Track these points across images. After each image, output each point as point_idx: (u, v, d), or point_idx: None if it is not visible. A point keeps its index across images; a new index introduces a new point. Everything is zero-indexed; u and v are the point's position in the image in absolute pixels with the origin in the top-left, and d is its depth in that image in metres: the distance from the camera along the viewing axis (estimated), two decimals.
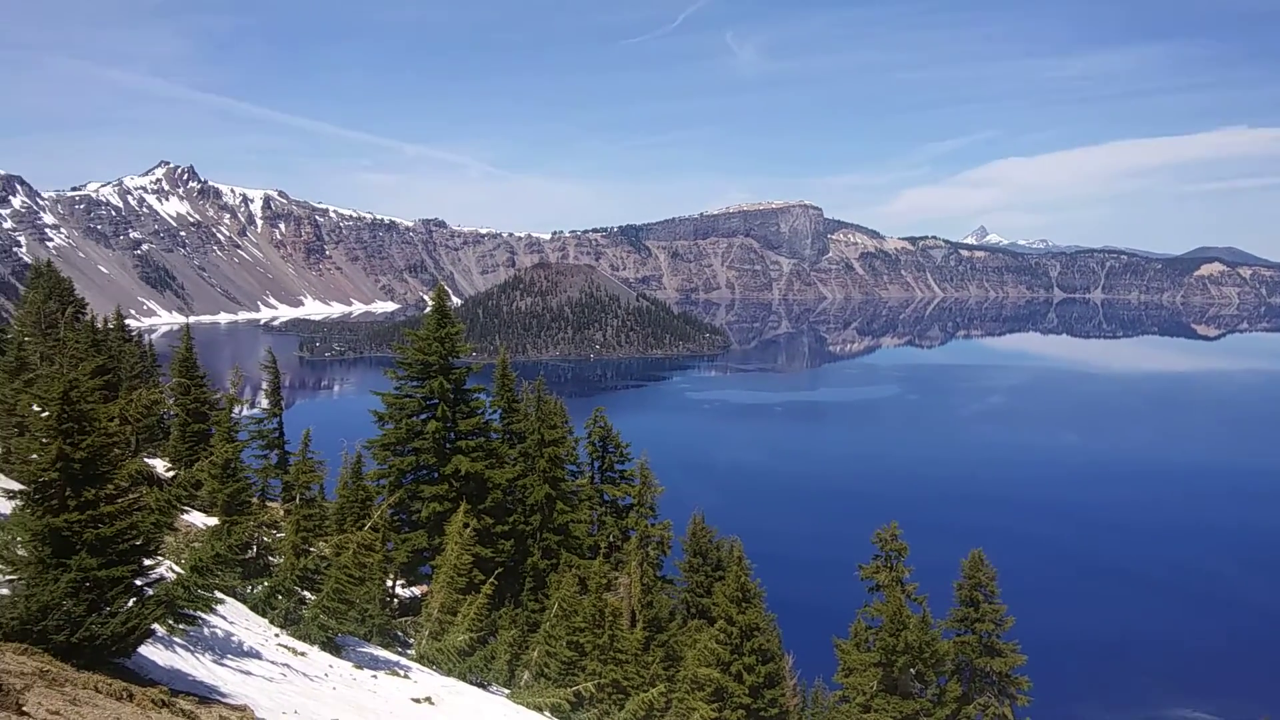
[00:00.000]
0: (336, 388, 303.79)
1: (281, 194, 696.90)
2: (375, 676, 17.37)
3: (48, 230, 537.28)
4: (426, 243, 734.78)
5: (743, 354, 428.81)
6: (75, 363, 31.28)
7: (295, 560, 20.97)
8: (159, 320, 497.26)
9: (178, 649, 13.13)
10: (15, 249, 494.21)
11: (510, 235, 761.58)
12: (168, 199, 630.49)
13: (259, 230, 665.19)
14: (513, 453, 38.22)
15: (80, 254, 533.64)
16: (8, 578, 9.78)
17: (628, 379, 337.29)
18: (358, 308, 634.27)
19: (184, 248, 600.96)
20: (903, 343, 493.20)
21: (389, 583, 29.37)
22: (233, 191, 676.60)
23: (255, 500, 29.34)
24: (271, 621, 18.78)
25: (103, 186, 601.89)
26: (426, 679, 19.01)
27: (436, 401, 34.08)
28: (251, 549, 24.08)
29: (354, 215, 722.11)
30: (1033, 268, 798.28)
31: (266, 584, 20.22)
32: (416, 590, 34.15)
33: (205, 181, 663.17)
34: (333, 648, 18.61)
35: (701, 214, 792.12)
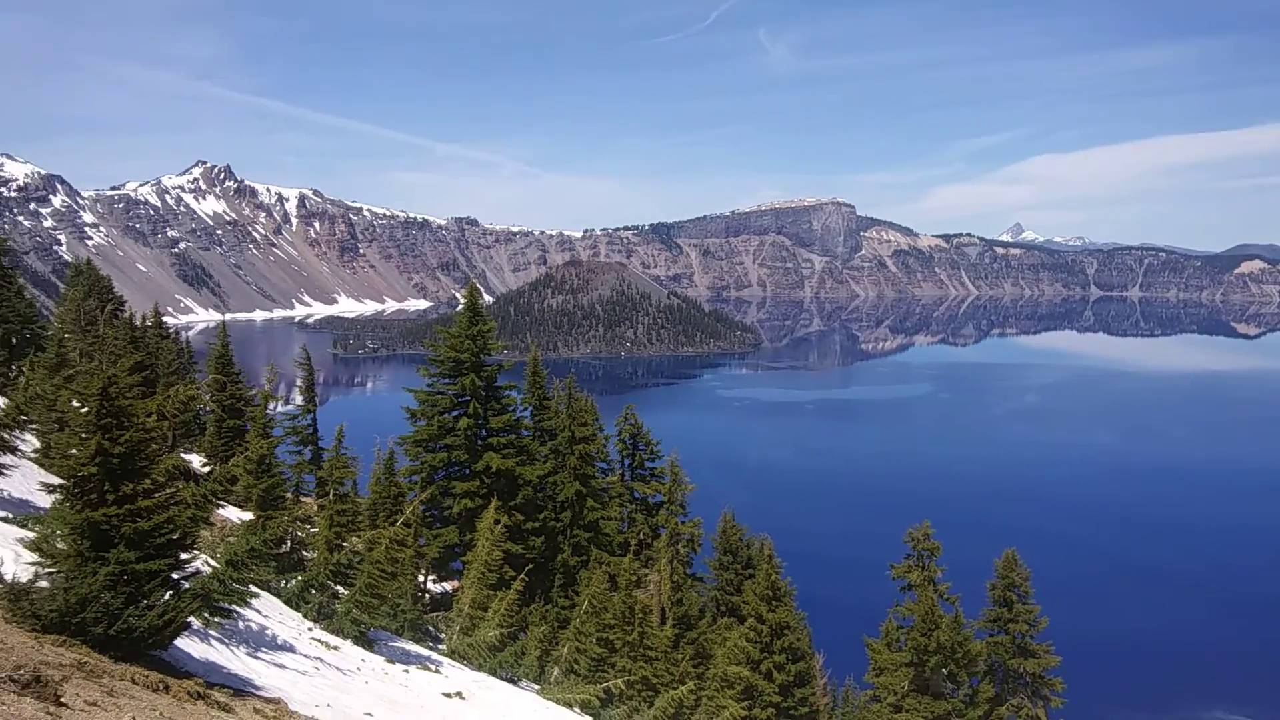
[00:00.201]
0: (369, 385, 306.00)
1: (316, 193, 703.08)
2: (407, 671, 17.50)
3: (87, 229, 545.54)
4: (459, 241, 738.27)
5: (774, 352, 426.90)
6: (114, 359, 31.74)
7: (328, 555, 21.16)
8: (196, 318, 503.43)
9: (213, 642, 13.31)
10: (55, 247, 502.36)
11: (542, 233, 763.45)
12: (205, 198, 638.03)
13: (294, 229, 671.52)
14: (544, 450, 38.32)
15: (119, 252, 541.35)
16: (47, 570, 9.95)
17: (658, 377, 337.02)
18: (391, 305, 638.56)
19: (220, 246, 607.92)
20: (936, 341, 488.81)
21: (421, 578, 29.58)
22: (268, 190, 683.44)
23: (289, 495, 29.64)
24: (305, 616, 18.97)
25: (141, 186, 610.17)
26: (457, 674, 19.12)
27: (468, 398, 34.24)
28: (285, 544, 24.33)
29: (387, 214, 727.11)
30: (1069, 265, 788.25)
31: (300, 578, 20.43)
32: (448, 586, 34.37)
33: (242, 181, 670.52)
34: (365, 642, 18.78)
35: (733, 212, 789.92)
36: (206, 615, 11.94)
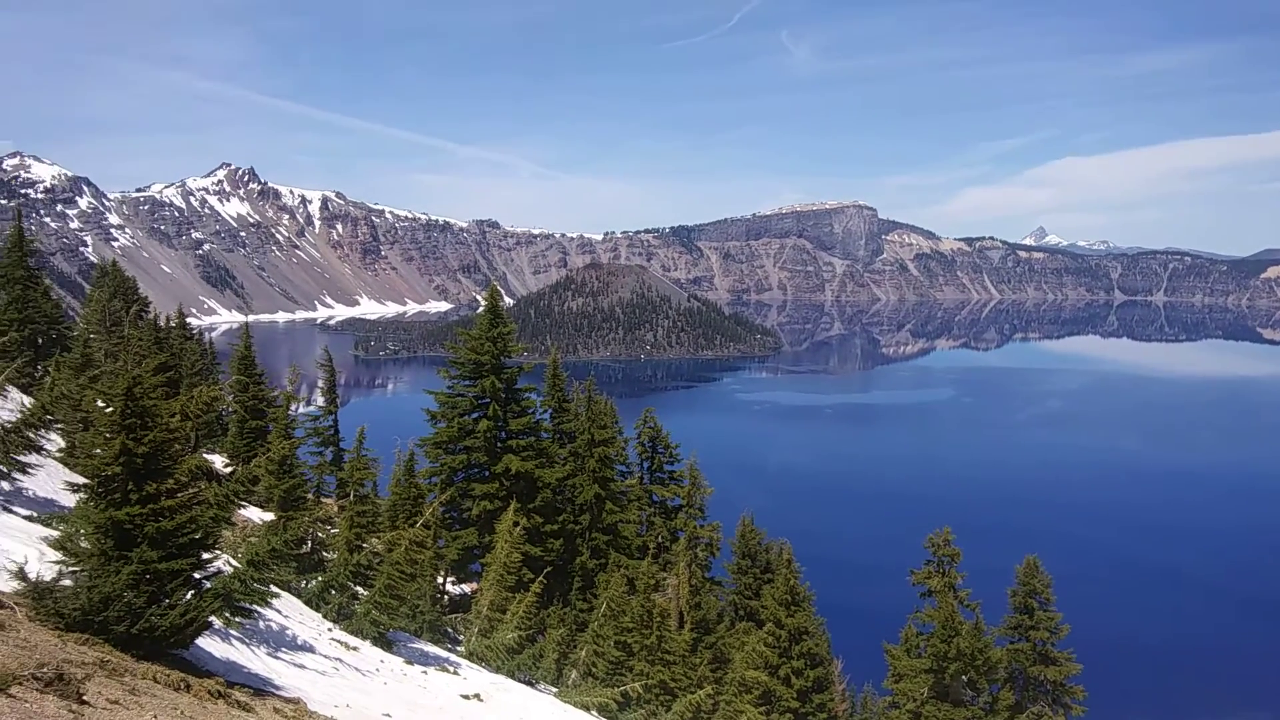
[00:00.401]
0: (390, 386, 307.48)
1: (339, 195, 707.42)
2: (425, 672, 17.56)
3: (113, 230, 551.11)
4: (480, 243, 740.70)
5: (794, 356, 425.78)
6: (138, 360, 32.04)
7: (349, 556, 21.27)
8: (219, 319, 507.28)
9: (234, 641, 13.40)
10: (82, 248, 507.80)
11: (562, 236, 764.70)
12: (229, 200, 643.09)
13: (317, 231, 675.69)
14: (563, 452, 38.38)
15: (144, 253, 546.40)
16: (71, 569, 10.04)
17: (678, 380, 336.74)
18: (412, 307, 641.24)
19: (244, 248, 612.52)
20: (958, 345, 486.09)
21: (440, 579, 29.69)
22: (291, 193, 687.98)
23: (310, 496, 29.82)
24: (325, 616, 19.08)
25: (166, 188, 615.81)
26: (476, 676, 19.17)
27: (488, 400, 34.33)
28: (306, 544, 24.48)
29: (409, 216, 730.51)
30: (1093, 269, 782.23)
31: (320, 579, 20.54)
32: (466, 587, 34.46)
33: (265, 183, 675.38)
34: (384, 643, 18.85)
35: (754, 215, 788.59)
36: (227, 615, 12.02)
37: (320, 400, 37.63)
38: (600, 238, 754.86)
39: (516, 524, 26.68)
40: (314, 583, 20.58)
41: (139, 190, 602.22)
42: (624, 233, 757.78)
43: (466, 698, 16.34)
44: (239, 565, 12.45)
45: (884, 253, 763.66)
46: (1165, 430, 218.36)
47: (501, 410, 34.40)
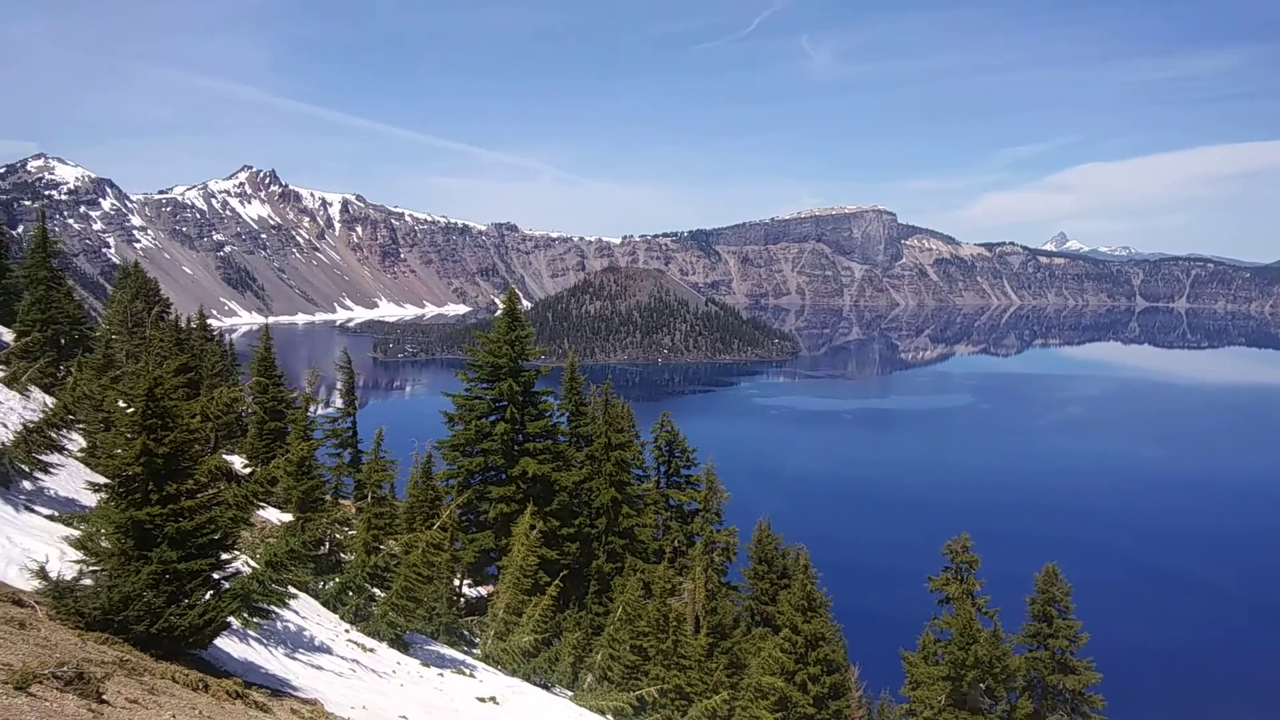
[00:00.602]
0: (408, 388, 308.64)
1: (359, 198, 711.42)
2: (441, 674, 17.58)
3: (135, 232, 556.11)
4: (498, 246, 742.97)
5: (812, 360, 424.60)
6: (160, 361, 32.29)
7: (366, 557, 21.34)
8: (239, 320, 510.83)
9: (252, 642, 13.46)
10: (104, 250, 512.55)
11: (580, 239, 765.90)
12: (250, 202, 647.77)
13: (337, 233, 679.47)
14: (579, 456, 38.39)
15: (166, 255, 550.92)
16: (92, 569, 10.11)
17: (695, 384, 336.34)
18: (430, 310, 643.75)
19: (264, 250, 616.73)
20: (977, 351, 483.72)
21: (456, 582, 29.73)
22: (312, 195, 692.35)
23: (329, 498, 29.96)
24: (342, 617, 19.14)
25: (188, 190, 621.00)
26: (491, 678, 19.19)
27: (505, 403, 34.39)
28: (324, 545, 24.57)
29: (428, 219, 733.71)
30: (1114, 275, 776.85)
31: (338, 580, 20.62)
32: (483, 590, 34.52)
33: (286, 185, 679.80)
34: (401, 645, 18.90)
35: (772, 219, 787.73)
36: (246, 615, 12.07)
37: (339, 402, 37.80)
38: (618, 241, 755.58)
39: (533, 527, 26.70)
40: (331, 584, 20.65)
41: (161, 192, 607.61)
42: (642, 236, 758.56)
43: (482, 700, 16.36)
44: (257, 566, 12.50)
45: (903, 257, 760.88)
46: (1187, 437, 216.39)
47: (519, 413, 34.44)
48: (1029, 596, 30.70)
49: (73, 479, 19.56)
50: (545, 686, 21.92)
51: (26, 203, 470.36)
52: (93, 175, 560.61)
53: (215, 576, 10.87)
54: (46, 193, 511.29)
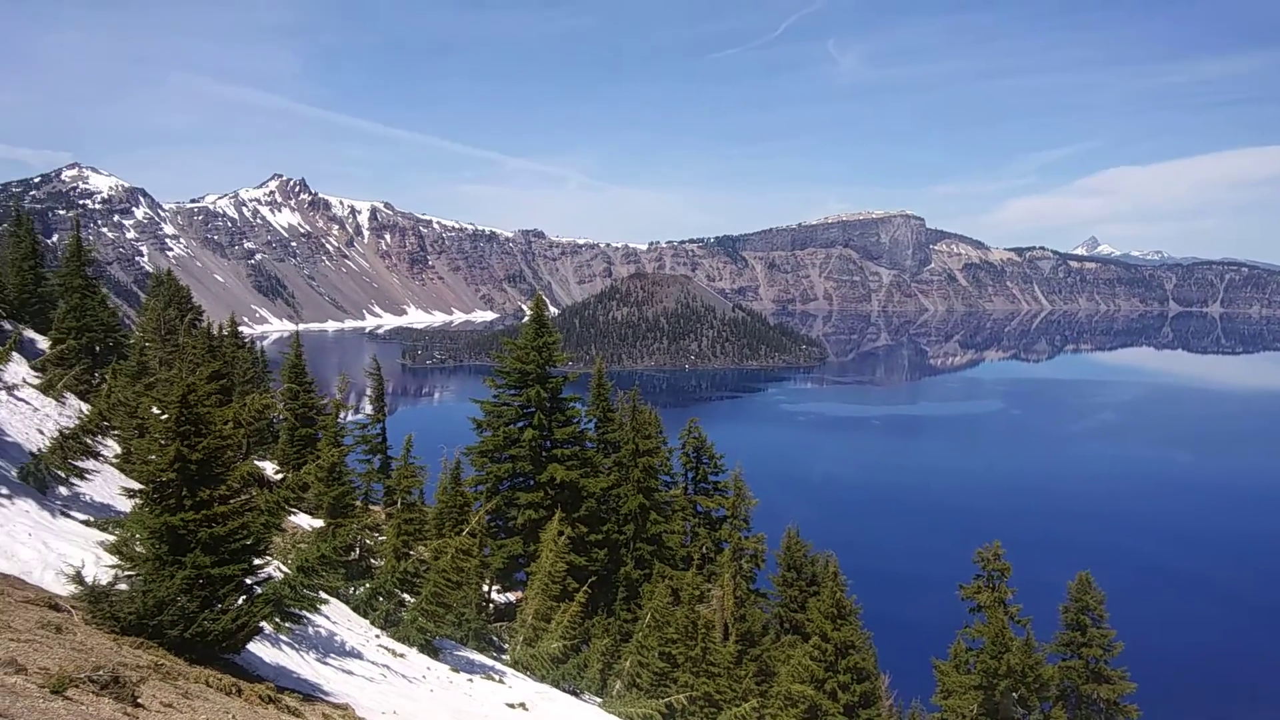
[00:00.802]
0: (437, 395, 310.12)
1: (388, 205, 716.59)
2: (471, 680, 17.60)
3: (168, 240, 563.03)
4: (525, 253, 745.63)
5: (840, 366, 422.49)
6: (193, 368, 32.63)
7: (396, 563, 21.42)
8: (270, 327, 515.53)
9: (284, 646, 13.53)
10: (138, 258, 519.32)
11: (607, 246, 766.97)
12: (280, 210, 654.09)
13: (366, 241, 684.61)
14: (607, 462, 38.39)
15: (198, 263, 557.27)
16: (127, 573, 10.20)
17: (722, 390, 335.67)
18: (458, 317, 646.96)
19: (294, 258, 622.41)
20: (1007, 356, 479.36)
21: (485, 588, 29.80)
22: (341, 203, 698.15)
23: (359, 503, 30.11)
24: (372, 623, 19.21)
25: (219, 198, 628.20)
26: (520, 684, 19.18)
27: (533, 410, 34.46)
28: (354, 551, 24.69)
29: (456, 226, 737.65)
30: (1146, 280, 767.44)
31: (368, 586, 20.70)
32: (511, 596, 34.58)
33: (316, 194, 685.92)
34: (430, 650, 18.94)
35: (799, 224, 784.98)
36: (278, 620, 12.14)
37: (368, 408, 38.04)
38: (645, 247, 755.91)
39: (561, 533, 26.71)
40: (362, 589, 20.75)
41: (193, 201, 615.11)
42: (669, 242, 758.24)
43: (512, 706, 16.35)
44: (289, 571, 12.57)
45: (932, 263, 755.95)
46: (1221, 443, 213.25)
47: (546, 419, 34.50)
48: (1062, 605, 30.37)
49: (108, 485, 19.78)
50: (574, 693, 21.89)
51: (61, 212, 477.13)
52: (126, 184, 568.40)
53: (248, 581, 10.93)
54: (81, 202, 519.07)
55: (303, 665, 13.17)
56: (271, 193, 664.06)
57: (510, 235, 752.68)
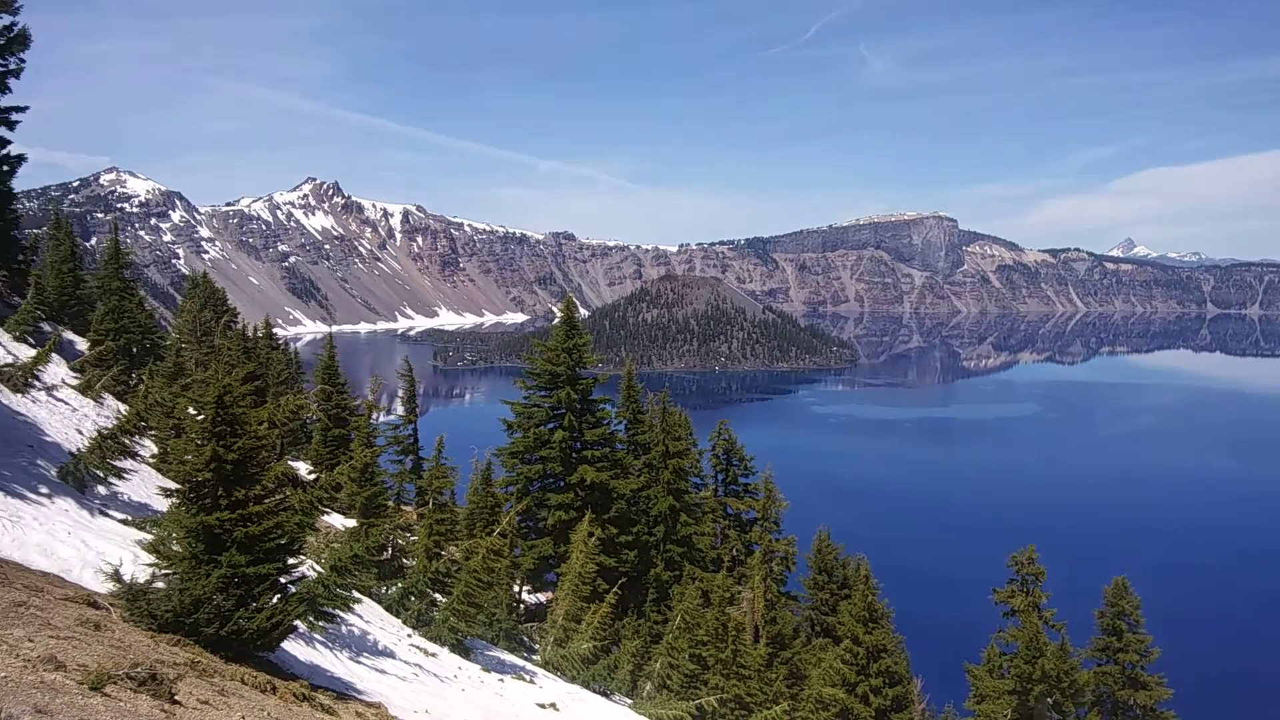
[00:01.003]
0: (468, 396, 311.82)
1: (420, 208, 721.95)
2: (502, 680, 17.65)
3: (204, 243, 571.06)
4: (556, 255, 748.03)
5: (871, 368, 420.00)
6: (228, 369, 32.97)
7: (428, 563, 21.53)
8: (304, 329, 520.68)
9: (317, 645, 13.64)
10: (174, 260, 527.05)
11: (637, 248, 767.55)
12: (314, 214, 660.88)
13: (398, 244, 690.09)
14: (637, 463, 38.39)
15: (233, 265, 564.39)
16: (164, 572, 10.32)
17: (753, 392, 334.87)
18: (489, 318, 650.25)
19: (328, 260, 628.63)
20: (1042, 359, 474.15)
21: (516, 588, 29.89)
22: (374, 206, 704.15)
23: (391, 504, 30.31)
24: (405, 622, 19.32)
25: (254, 202, 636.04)
26: (551, 685, 19.21)
27: (564, 411, 34.53)
28: (387, 551, 24.86)
29: (487, 228, 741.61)
30: (1184, 281, 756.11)
31: (400, 585, 20.83)
32: (542, 597, 34.65)
33: (349, 197, 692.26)
34: (462, 650, 19.02)
35: (830, 226, 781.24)
36: (311, 619, 12.24)
37: (400, 409, 38.22)
38: (675, 249, 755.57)
39: (591, 534, 26.75)
40: (394, 589, 20.88)
41: (228, 204, 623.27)
42: (699, 244, 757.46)
43: (542, 706, 16.38)
44: (322, 570, 12.67)
45: (964, 264, 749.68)
46: (1260, 448, 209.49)
47: (577, 421, 34.56)
48: (1098, 610, 29.97)
49: (145, 484, 20.03)
50: (604, 694, 21.89)
51: (99, 215, 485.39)
52: (163, 188, 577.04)
53: (282, 580, 11.02)
54: (119, 205, 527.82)
55: (336, 664, 13.27)
56: (305, 196, 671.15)
57: (541, 237, 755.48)
